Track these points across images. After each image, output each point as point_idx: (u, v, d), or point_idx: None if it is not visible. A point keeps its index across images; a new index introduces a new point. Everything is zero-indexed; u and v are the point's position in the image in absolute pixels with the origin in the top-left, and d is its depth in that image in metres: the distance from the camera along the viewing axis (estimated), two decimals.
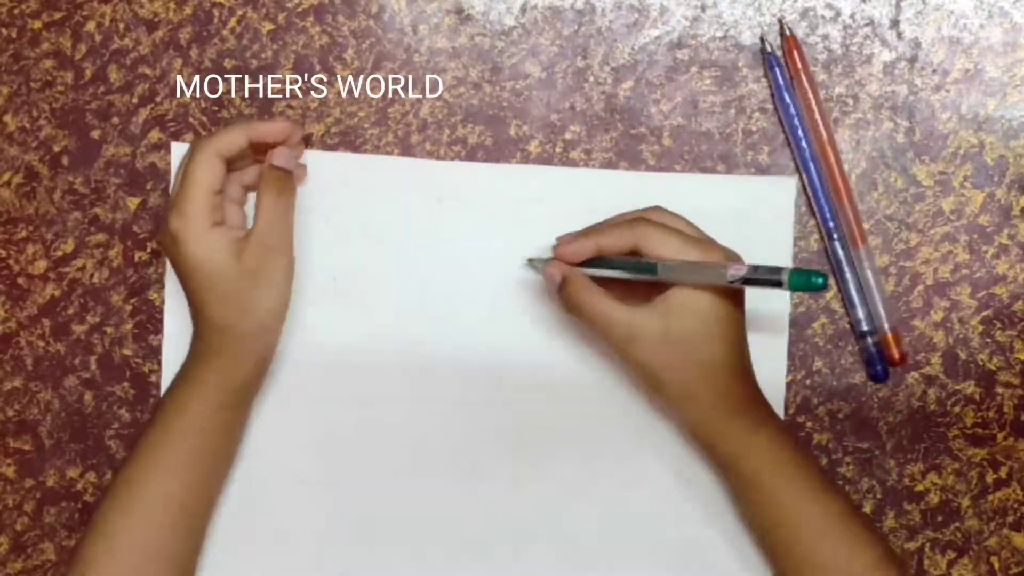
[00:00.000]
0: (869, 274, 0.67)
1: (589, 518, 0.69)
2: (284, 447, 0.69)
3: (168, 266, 0.70)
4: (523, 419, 0.69)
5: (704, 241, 0.62)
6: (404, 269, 0.69)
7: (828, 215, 0.67)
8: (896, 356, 0.68)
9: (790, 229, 0.68)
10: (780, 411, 0.68)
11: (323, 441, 0.69)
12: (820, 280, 0.55)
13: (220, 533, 0.68)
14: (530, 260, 0.68)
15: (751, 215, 0.68)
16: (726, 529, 0.68)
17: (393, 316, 0.69)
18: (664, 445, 0.68)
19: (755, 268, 0.58)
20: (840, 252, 0.67)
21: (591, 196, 0.68)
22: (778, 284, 0.56)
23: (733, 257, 0.61)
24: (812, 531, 0.61)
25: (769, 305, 0.68)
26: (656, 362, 0.62)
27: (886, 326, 0.67)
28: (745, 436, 0.62)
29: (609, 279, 0.63)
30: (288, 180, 0.65)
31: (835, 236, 0.68)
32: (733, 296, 0.61)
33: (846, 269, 0.68)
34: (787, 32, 0.68)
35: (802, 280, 0.55)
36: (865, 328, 0.68)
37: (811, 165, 0.67)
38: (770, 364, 0.68)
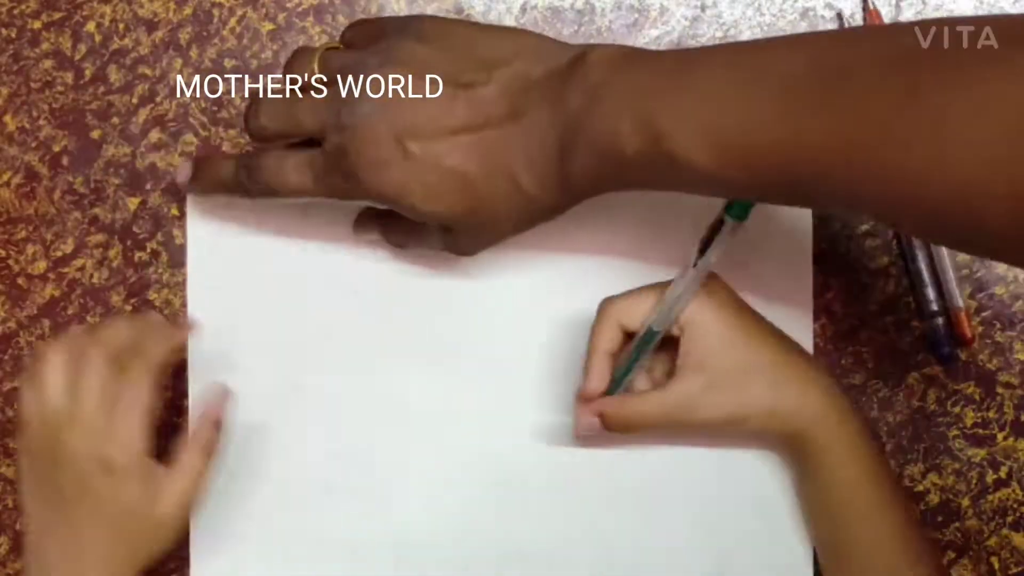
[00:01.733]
0: (944, 249, 0.67)
1: (622, 530, 0.68)
2: (311, 454, 0.69)
3: (187, 272, 0.70)
4: (550, 429, 0.68)
5: (657, 285, 0.63)
6: (418, 276, 0.69)
7: None
8: (968, 334, 0.67)
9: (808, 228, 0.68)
10: None
11: (349, 448, 0.69)
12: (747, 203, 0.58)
13: (249, 536, 0.69)
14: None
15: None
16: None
17: (417, 317, 0.69)
18: (681, 466, 0.68)
19: (704, 241, 0.60)
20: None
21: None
22: (721, 223, 0.59)
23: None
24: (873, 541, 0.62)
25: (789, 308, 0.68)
26: (724, 413, 0.61)
27: (959, 302, 0.67)
28: (830, 432, 0.62)
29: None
30: (217, 437, 0.64)
31: None
32: (734, 308, 0.62)
33: (916, 247, 0.67)
34: (871, 6, 0.68)
35: (738, 205, 0.59)
36: (935, 308, 0.67)
37: None
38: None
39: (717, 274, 0.62)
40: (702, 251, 0.59)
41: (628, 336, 0.63)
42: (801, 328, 0.67)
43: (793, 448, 0.63)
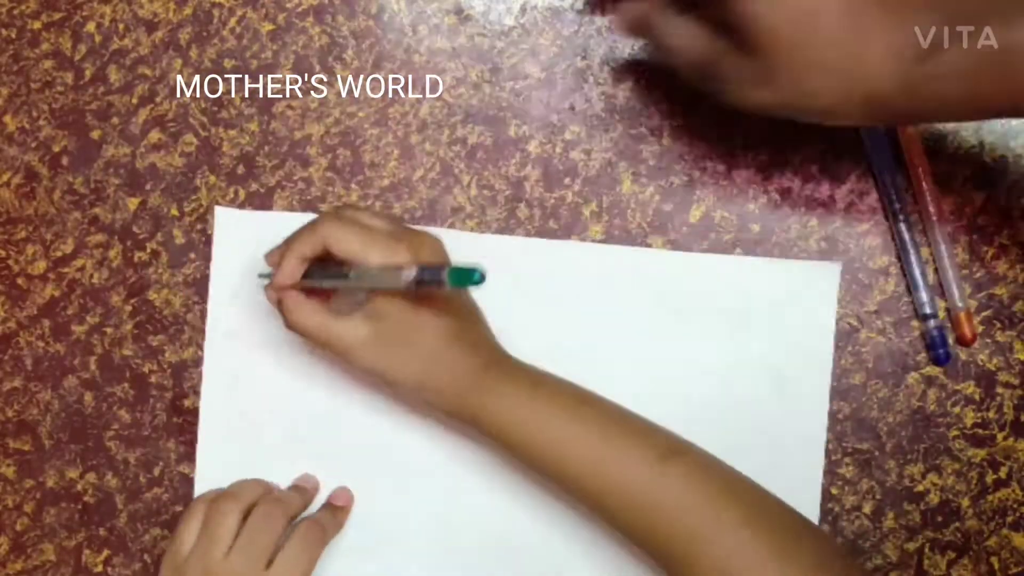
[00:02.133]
0: (943, 248, 0.67)
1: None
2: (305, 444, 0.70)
3: (211, 273, 0.70)
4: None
5: (388, 236, 0.61)
6: None
7: (894, 194, 0.67)
8: (968, 334, 0.67)
9: (832, 314, 0.68)
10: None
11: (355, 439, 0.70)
12: (476, 275, 0.55)
13: None
14: (260, 275, 0.66)
15: (796, 300, 0.68)
16: None
17: None
18: None
19: (422, 270, 0.58)
20: (905, 233, 0.67)
21: (612, 273, 0.69)
22: (442, 283, 0.57)
23: (420, 245, 0.61)
24: (589, 449, 0.61)
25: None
26: (376, 365, 0.62)
27: (960, 303, 0.67)
28: (481, 404, 0.62)
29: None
30: (323, 534, 0.67)
31: (901, 217, 0.67)
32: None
33: (910, 249, 0.67)
34: None
35: (459, 277, 0.56)
36: (928, 311, 0.67)
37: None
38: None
39: (441, 248, 0.62)
40: (418, 282, 0.58)
41: (325, 254, 0.62)
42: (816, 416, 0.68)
43: (472, 427, 0.64)
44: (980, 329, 0.68)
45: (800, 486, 0.67)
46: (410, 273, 0.58)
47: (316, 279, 0.62)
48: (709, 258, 0.68)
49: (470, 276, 0.55)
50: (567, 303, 0.69)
